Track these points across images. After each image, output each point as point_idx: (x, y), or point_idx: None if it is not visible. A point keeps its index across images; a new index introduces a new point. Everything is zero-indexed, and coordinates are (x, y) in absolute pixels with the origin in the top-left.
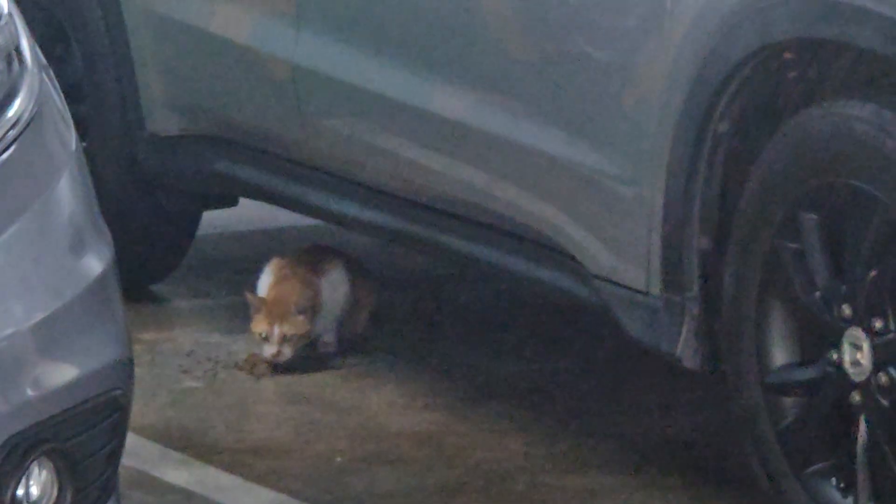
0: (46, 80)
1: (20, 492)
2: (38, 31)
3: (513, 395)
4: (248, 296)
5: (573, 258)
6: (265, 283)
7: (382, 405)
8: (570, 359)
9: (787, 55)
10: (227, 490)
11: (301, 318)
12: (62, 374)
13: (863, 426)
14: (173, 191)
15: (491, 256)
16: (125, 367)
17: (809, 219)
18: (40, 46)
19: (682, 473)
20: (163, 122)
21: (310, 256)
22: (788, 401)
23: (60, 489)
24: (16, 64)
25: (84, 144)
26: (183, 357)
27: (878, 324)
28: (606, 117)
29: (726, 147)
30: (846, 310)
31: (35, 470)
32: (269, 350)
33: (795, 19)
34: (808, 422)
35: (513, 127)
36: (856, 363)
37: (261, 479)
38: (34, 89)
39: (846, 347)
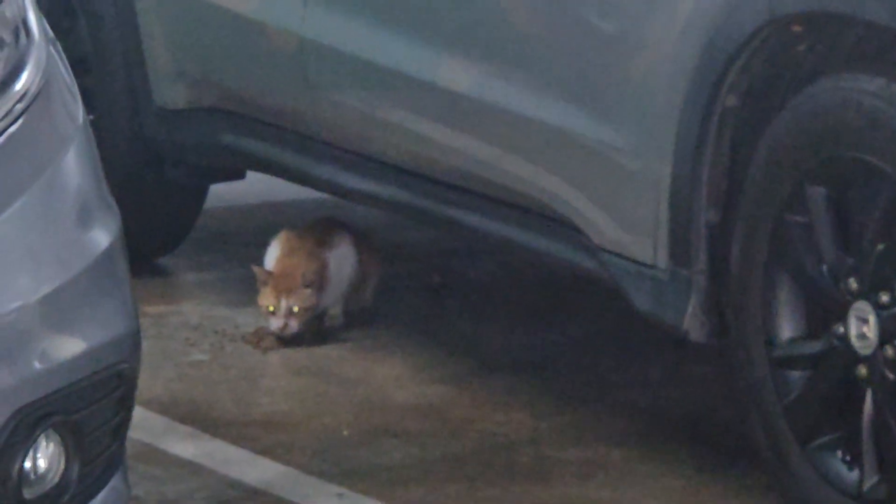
0: (54, 52)
1: (28, 464)
2: (45, 3)
3: (518, 367)
4: (255, 269)
5: (580, 231)
6: (272, 256)
7: (389, 378)
8: (576, 332)
9: (796, 29)
10: (233, 463)
11: (308, 291)
12: (69, 347)
13: (868, 399)
14: (180, 164)
15: (497, 229)
16: (132, 340)
17: (817, 192)
18: (47, 19)
19: (687, 446)
20: (170, 95)
21: (317, 230)
22: (795, 374)
23: (67, 462)
24: (23, 37)
25: (91, 117)
26: (190, 330)
27: (884, 297)
28: (615, 90)
29: (734, 120)
30: (853, 283)
31: (42, 443)
32: (275, 323)
33: None
34: (814, 395)
35: (520, 100)
36: (862, 336)
37: (267, 452)
38: (41, 62)
39: (852, 321)
